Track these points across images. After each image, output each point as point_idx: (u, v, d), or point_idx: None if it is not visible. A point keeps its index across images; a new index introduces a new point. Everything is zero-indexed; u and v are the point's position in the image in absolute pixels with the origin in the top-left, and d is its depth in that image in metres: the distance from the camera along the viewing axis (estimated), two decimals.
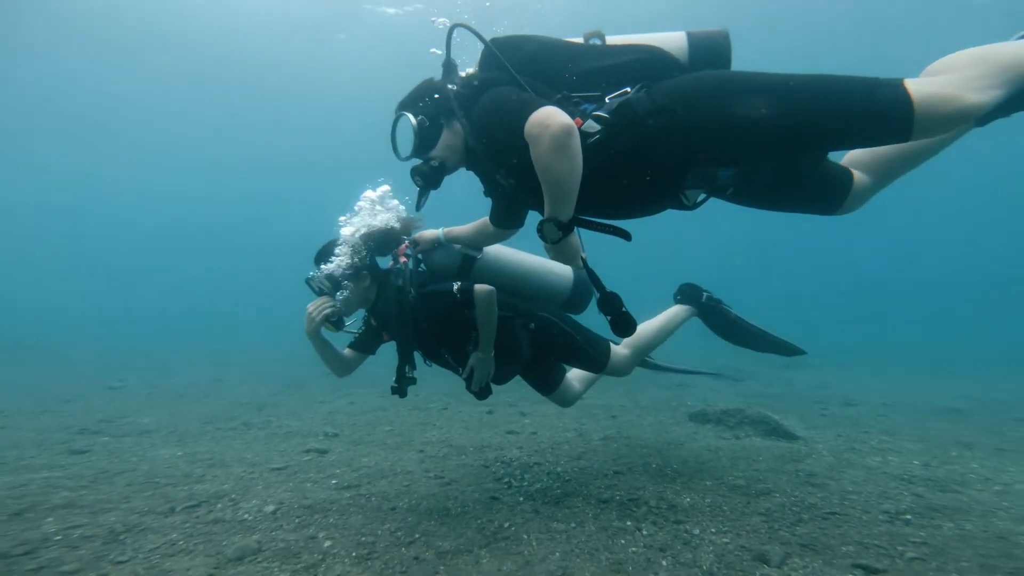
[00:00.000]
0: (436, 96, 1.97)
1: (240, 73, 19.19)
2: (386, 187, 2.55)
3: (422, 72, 2.09)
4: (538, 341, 2.53)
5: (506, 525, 2.06)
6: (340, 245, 2.43)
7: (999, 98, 1.54)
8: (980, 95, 1.52)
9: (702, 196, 1.89)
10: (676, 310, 2.88)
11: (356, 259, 2.42)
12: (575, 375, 2.88)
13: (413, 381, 2.51)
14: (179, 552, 1.85)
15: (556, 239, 1.71)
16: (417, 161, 2.01)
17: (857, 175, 1.97)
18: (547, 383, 2.73)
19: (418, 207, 2.19)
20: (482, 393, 2.44)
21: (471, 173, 2.17)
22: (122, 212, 36.04)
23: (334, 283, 2.42)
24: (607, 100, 1.78)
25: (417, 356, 2.54)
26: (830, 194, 1.96)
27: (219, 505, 2.36)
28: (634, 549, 1.83)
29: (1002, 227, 31.59)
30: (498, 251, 2.63)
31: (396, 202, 2.55)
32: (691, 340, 3.38)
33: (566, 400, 2.79)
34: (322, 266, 2.44)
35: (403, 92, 2.07)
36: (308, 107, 22.17)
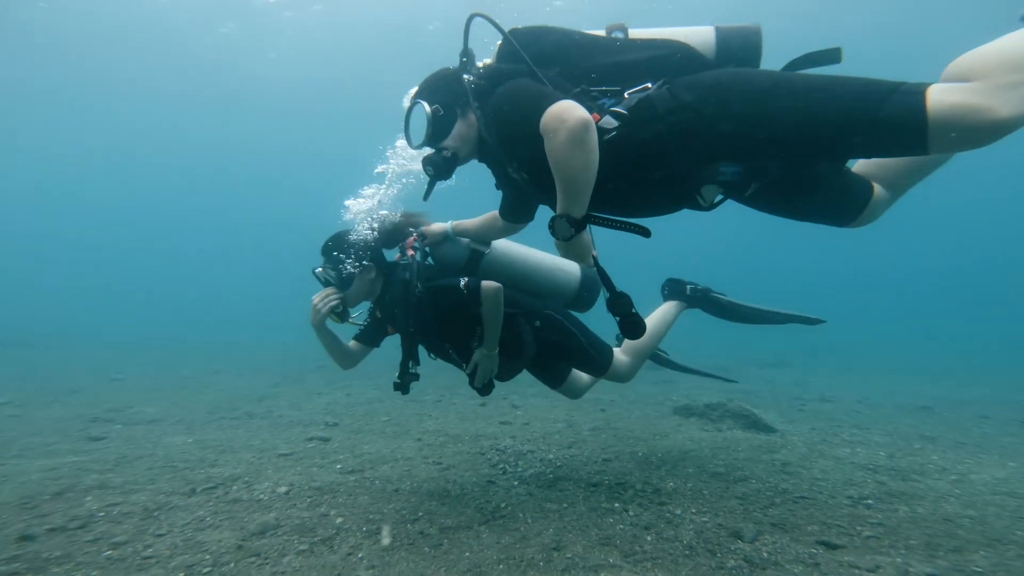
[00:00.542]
0: (452, 85, 1.94)
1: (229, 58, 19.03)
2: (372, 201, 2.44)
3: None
4: (542, 339, 2.50)
5: (503, 505, 2.25)
6: (346, 236, 2.42)
7: None
8: (1014, 107, 1.34)
9: (719, 197, 1.85)
10: (666, 307, 2.87)
11: (362, 250, 2.40)
12: None
13: (416, 377, 2.49)
14: (208, 527, 2.02)
15: (567, 236, 1.68)
16: (429, 150, 1.99)
17: (876, 187, 1.90)
18: (555, 377, 2.70)
19: (426, 197, 2.18)
20: (485, 389, 2.44)
21: (482, 165, 2.15)
22: (112, 203, 35.76)
23: (340, 275, 2.40)
24: (626, 95, 1.73)
25: (421, 350, 2.53)
26: (848, 205, 1.89)
27: (235, 487, 2.52)
28: (621, 527, 2.01)
29: (996, 225, 32.08)
30: (506, 246, 2.61)
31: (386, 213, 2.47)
32: (684, 337, 3.42)
33: (574, 392, 2.77)
34: (328, 256, 2.42)
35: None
36: (304, 96, 22.04)
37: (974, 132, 1.38)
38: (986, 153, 1.53)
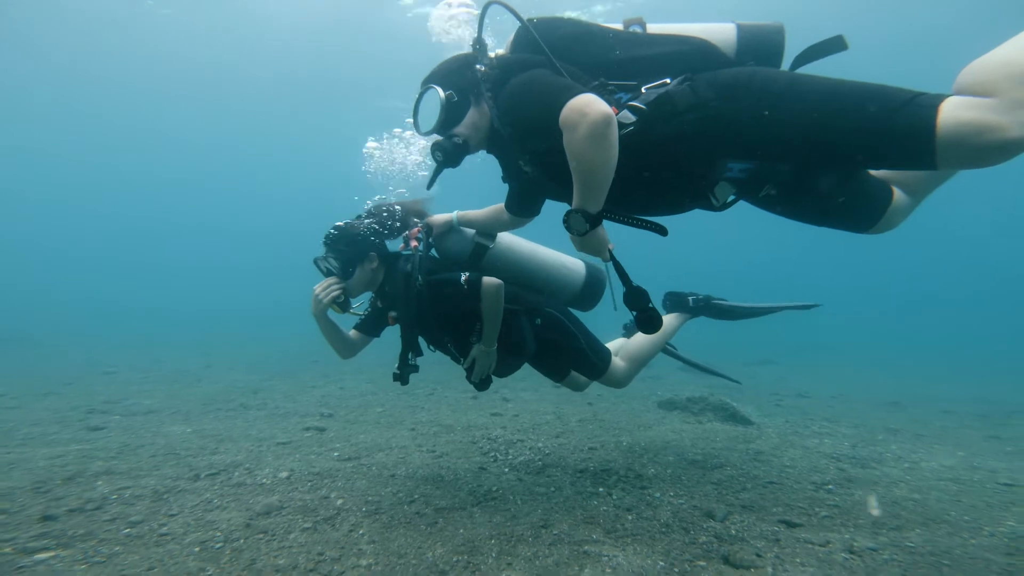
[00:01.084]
0: (466, 72, 1.90)
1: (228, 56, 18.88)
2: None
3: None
4: (542, 337, 2.48)
5: (494, 489, 2.39)
6: (348, 226, 2.40)
7: None
8: None
9: (731, 197, 1.82)
10: (668, 319, 2.83)
11: (364, 240, 2.39)
12: None
13: (416, 369, 2.46)
14: (216, 508, 2.14)
15: (583, 231, 1.66)
16: (437, 138, 1.96)
17: (897, 193, 1.86)
18: (557, 372, 2.67)
19: (430, 185, 2.14)
20: (482, 384, 2.44)
21: (489, 157, 2.13)
22: (96, 201, 35.28)
23: (342, 264, 2.37)
24: (644, 90, 1.71)
25: (421, 342, 2.49)
26: (866, 211, 1.85)
27: (237, 473, 2.64)
28: (605, 508, 2.17)
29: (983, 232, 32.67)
30: (511, 241, 2.58)
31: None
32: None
33: (579, 385, 2.74)
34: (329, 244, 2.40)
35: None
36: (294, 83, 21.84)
37: (984, 151, 1.34)
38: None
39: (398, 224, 2.47)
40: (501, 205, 2.43)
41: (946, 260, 34.60)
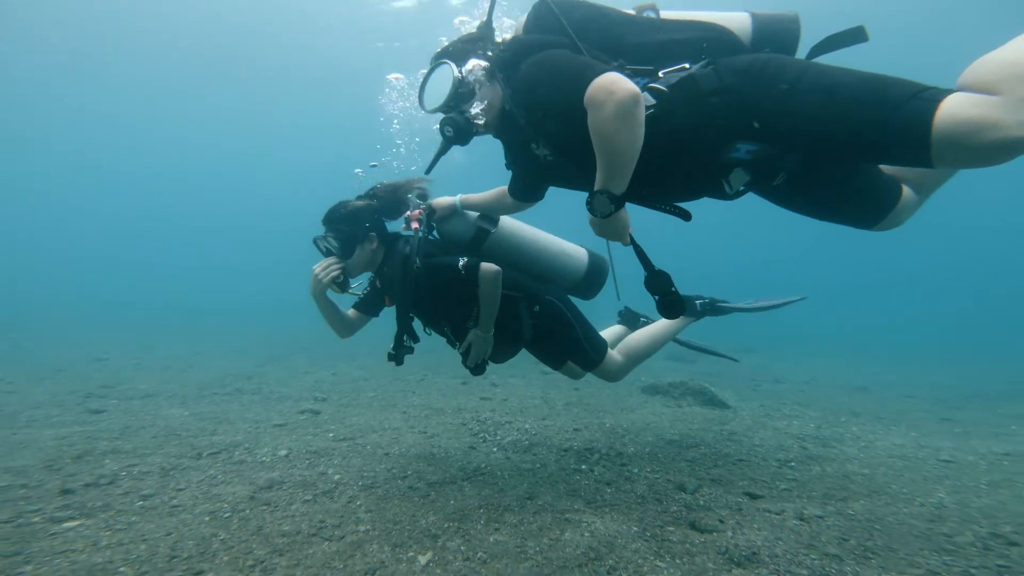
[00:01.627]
0: (480, 51, 1.89)
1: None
2: None
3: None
4: (539, 325, 2.48)
5: (483, 466, 2.55)
6: (348, 205, 2.40)
7: None
8: None
9: (742, 186, 1.81)
10: (675, 321, 2.80)
11: (364, 220, 2.38)
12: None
13: (411, 350, 2.48)
14: (220, 483, 2.28)
15: (607, 213, 1.64)
16: (443, 116, 1.93)
17: (906, 190, 1.86)
18: (554, 359, 2.66)
19: (430, 168, 2.10)
20: (477, 369, 2.45)
21: (495, 143, 2.10)
22: (69, 190, 34.70)
23: (342, 244, 2.37)
24: (660, 75, 1.70)
25: (417, 325, 2.51)
26: (874, 207, 1.85)
27: (237, 452, 2.77)
28: (586, 482, 2.33)
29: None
30: (514, 226, 2.56)
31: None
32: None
33: (576, 373, 2.73)
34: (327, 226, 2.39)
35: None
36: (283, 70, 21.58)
37: (983, 150, 1.30)
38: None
39: (397, 204, 2.46)
40: (504, 188, 2.42)
41: (932, 255, 35.21)
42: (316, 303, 2.44)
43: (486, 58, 1.89)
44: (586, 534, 1.76)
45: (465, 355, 2.42)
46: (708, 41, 1.76)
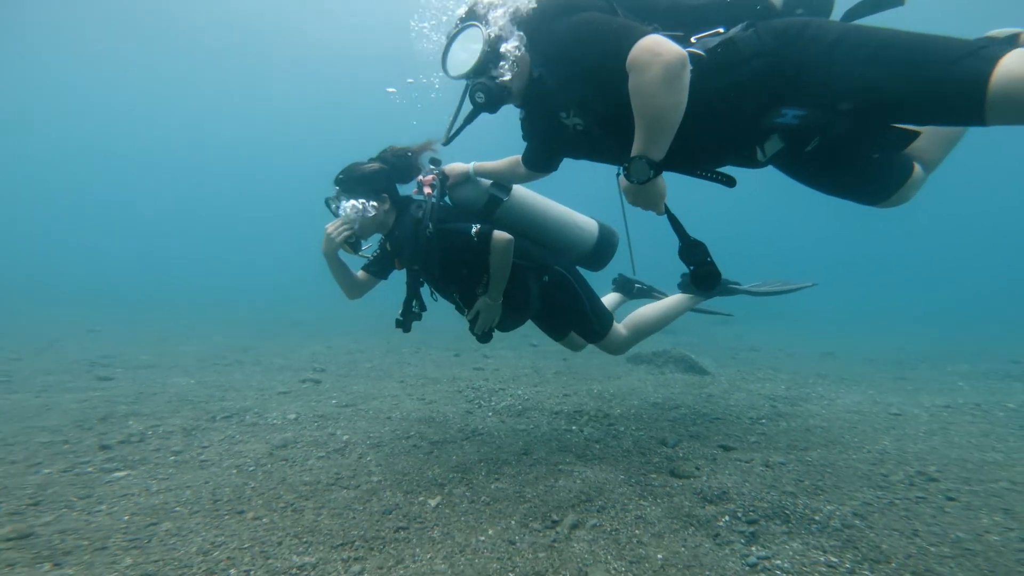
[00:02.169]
0: (509, 13, 1.79)
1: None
2: None
3: None
4: (547, 295, 2.48)
5: (480, 428, 2.76)
6: (360, 167, 2.38)
7: None
8: None
9: (772, 152, 1.76)
10: (680, 298, 2.83)
11: (376, 183, 2.36)
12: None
13: (419, 317, 2.48)
14: (239, 442, 2.47)
15: (646, 178, 1.58)
16: (470, 82, 1.85)
17: (916, 167, 1.85)
18: (558, 330, 2.68)
19: (451, 139, 2.05)
20: (484, 337, 2.44)
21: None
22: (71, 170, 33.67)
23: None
24: (693, 40, 1.65)
25: (425, 292, 2.51)
26: (886, 182, 1.84)
27: (248, 416, 2.95)
28: (576, 440, 2.55)
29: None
30: (526, 195, 2.54)
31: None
32: None
33: (577, 346, 2.75)
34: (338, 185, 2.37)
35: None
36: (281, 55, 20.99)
37: None
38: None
39: (409, 167, 2.45)
40: (517, 157, 2.38)
41: (918, 244, 35.71)
42: (327, 262, 2.44)
43: (515, 21, 1.81)
44: (578, 481, 1.98)
45: (473, 322, 2.42)
46: (740, 5, 1.71)
